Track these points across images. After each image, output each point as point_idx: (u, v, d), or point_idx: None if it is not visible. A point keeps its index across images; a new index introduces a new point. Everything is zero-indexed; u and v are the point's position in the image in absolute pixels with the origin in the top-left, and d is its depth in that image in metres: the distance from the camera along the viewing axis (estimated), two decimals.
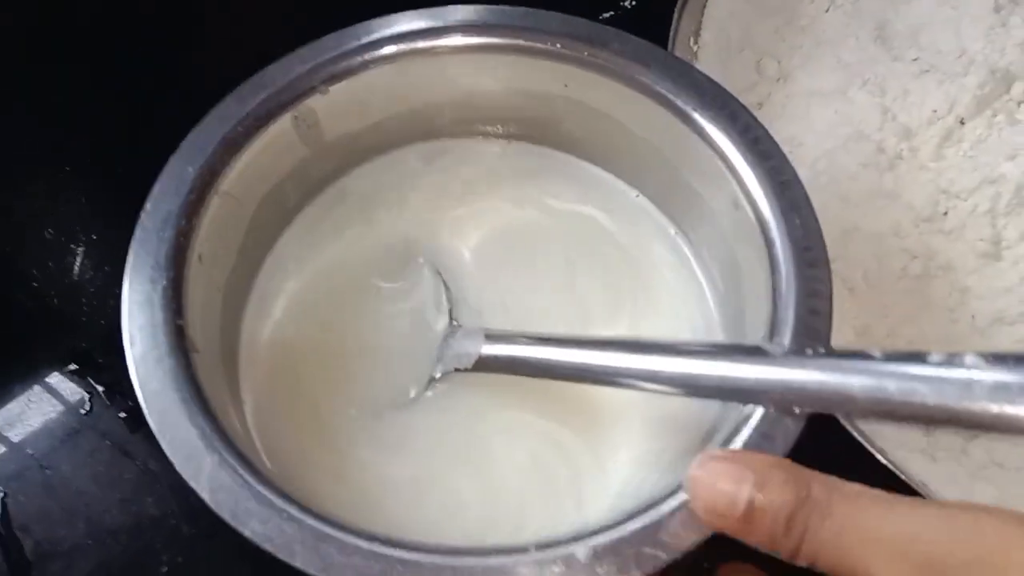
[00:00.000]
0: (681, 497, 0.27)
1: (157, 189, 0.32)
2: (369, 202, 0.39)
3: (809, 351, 0.28)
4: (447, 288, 0.37)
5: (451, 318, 0.36)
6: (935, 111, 0.43)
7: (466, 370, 0.34)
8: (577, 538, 0.26)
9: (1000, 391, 0.24)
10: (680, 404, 0.35)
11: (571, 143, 0.41)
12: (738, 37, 0.48)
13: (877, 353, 0.26)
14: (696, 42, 0.46)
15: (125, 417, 0.42)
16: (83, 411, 0.42)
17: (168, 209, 0.31)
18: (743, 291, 0.35)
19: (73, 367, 0.43)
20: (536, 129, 0.40)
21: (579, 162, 0.41)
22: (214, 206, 0.32)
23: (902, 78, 0.45)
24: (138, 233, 0.31)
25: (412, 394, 0.35)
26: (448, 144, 0.41)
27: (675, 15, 0.46)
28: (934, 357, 0.26)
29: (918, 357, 0.26)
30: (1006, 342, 0.40)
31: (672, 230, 0.39)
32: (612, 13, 0.54)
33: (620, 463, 0.34)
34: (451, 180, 0.41)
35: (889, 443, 0.37)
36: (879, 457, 0.36)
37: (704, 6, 0.48)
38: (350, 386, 0.35)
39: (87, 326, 0.44)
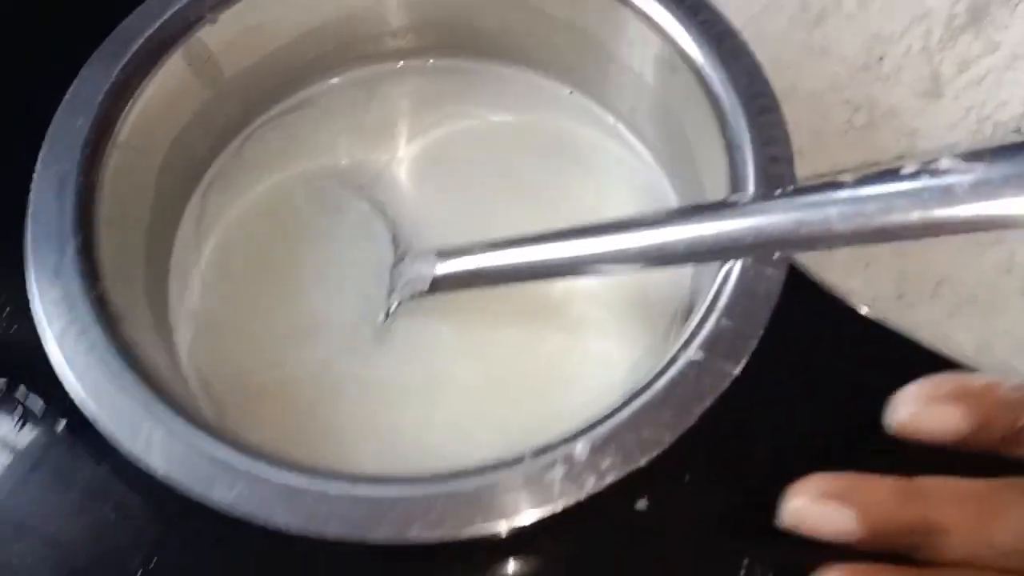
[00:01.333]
0: (670, 376, 0.25)
1: (46, 149, 0.29)
2: (287, 142, 0.37)
3: (778, 191, 0.27)
4: (385, 216, 0.35)
5: (395, 245, 0.34)
6: None
7: (422, 294, 0.32)
8: (573, 436, 0.24)
9: (981, 188, 0.23)
10: (650, 285, 0.34)
11: (491, 44, 0.38)
12: None
13: (848, 178, 0.25)
14: None
15: (64, 424, 0.39)
16: (17, 428, 0.39)
17: (63, 168, 0.28)
18: (697, 160, 0.33)
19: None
20: (451, 35, 0.38)
21: (504, 67, 0.39)
22: (114, 160, 0.29)
23: None
24: (33, 199, 0.28)
25: (368, 332, 0.33)
26: (361, 71, 0.39)
27: None
28: (908, 168, 0.24)
29: (891, 173, 0.25)
30: None
31: (611, 119, 0.38)
32: None
33: (597, 361, 0.33)
34: (372, 108, 0.38)
35: (864, 297, 0.36)
36: (859, 310, 0.35)
37: None
38: (299, 334, 0.33)
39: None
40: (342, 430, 0.31)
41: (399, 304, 0.33)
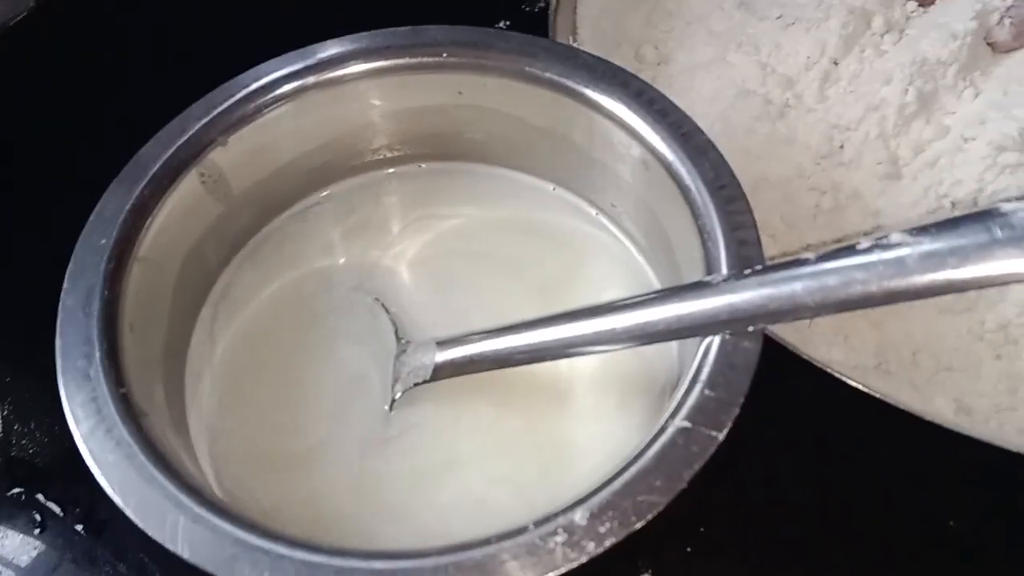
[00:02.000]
0: (660, 445, 0.27)
1: (73, 266, 0.31)
2: (292, 249, 0.39)
3: (747, 271, 0.29)
4: (387, 311, 0.37)
5: (397, 338, 0.36)
6: (809, 57, 0.46)
7: (425, 382, 0.34)
8: (572, 506, 0.26)
9: (928, 259, 0.26)
10: (635, 364, 0.36)
11: (477, 151, 0.41)
12: (612, 31, 0.50)
13: (810, 256, 0.28)
14: (575, 41, 0.48)
15: (83, 527, 0.40)
16: (36, 531, 0.40)
17: (89, 283, 0.31)
18: (674, 246, 0.36)
19: (17, 491, 0.41)
20: (441, 145, 0.41)
21: (490, 168, 0.42)
22: (135, 273, 0.32)
23: (772, 34, 0.47)
24: (62, 313, 0.30)
25: (378, 421, 0.35)
26: (359, 179, 0.42)
27: (549, 18, 0.48)
28: (863, 244, 0.27)
29: (849, 249, 0.27)
30: None
31: (593, 212, 0.41)
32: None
33: (597, 435, 0.34)
34: (370, 212, 0.41)
35: (845, 367, 0.38)
36: (841, 378, 0.37)
37: (575, 7, 0.50)
38: (308, 428, 0.35)
39: (20, 444, 0.42)
40: (359, 516, 0.33)
41: (403, 393, 0.35)
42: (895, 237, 0.26)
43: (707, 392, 0.28)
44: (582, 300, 0.38)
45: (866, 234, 0.43)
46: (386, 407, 0.35)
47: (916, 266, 0.26)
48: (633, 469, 0.27)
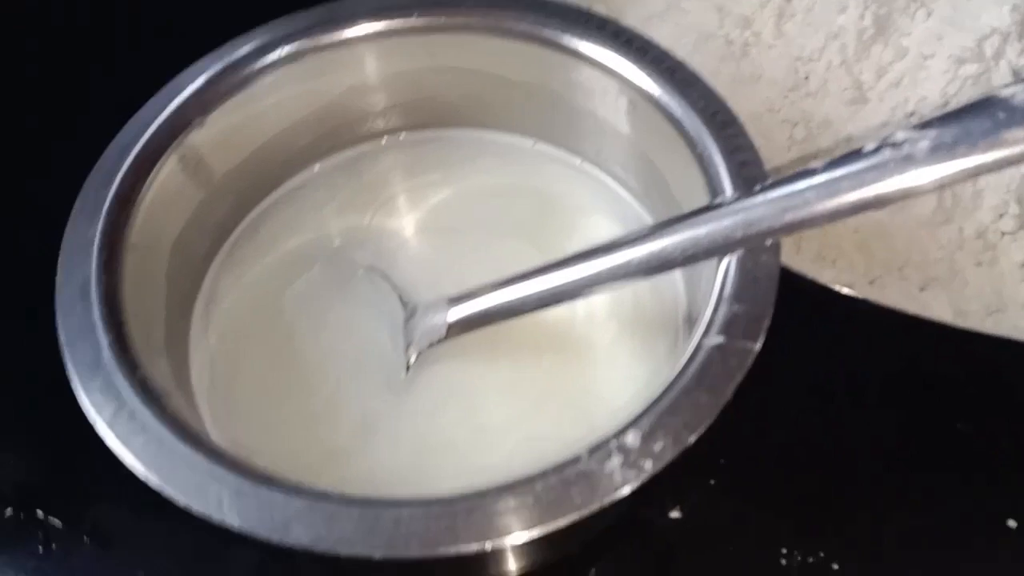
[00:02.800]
0: (699, 362, 0.27)
1: (64, 259, 0.30)
2: (285, 228, 0.38)
3: (757, 188, 0.29)
4: (388, 279, 0.37)
5: (403, 303, 0.36)
6: None
7: (440, 341, 0.33)
8: (623, 430, 0.26)
9: (937, 151, 0.26)
10: (644, 304, 0.36)
11: (457, 114, 0.41)
12: None
13: (818, 164, 0.28)
14: None
15: (89, 540, 0.39)
16: (40, 551, 0.39)
17: (84, 274, 0.29)
18: (669, 185, 0.36)
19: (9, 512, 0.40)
20: (421, 112, 0.40)
21: (471, 131, 0.41)
22: (129, 261, 0.31)
23: None
24: (60, 308, 0.29)
25: (391, 388, 0.34)
26: (341, 156, 0.41)
27: None
28: (868, 147, 0.27)
29: (856, 153, 0.27)
30: None
31: (578, 160, 0.41)
32: None
33: (616, 378, 0.34)
34: (357, 189, 0.40)
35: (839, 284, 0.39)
36: (841, 291, 0.38)
37: None
38: (322, 398, 0.34)
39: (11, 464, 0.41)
40: (380, 484, 0.32)
41: (418, 355, 0.34)
42: (900, 135, 0.27)
43: (735, 307, 0.28)
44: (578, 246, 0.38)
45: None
46: (401, 373, 0.34)
47: (926, 159, 0.26)
48: (677, 388, 0.27)
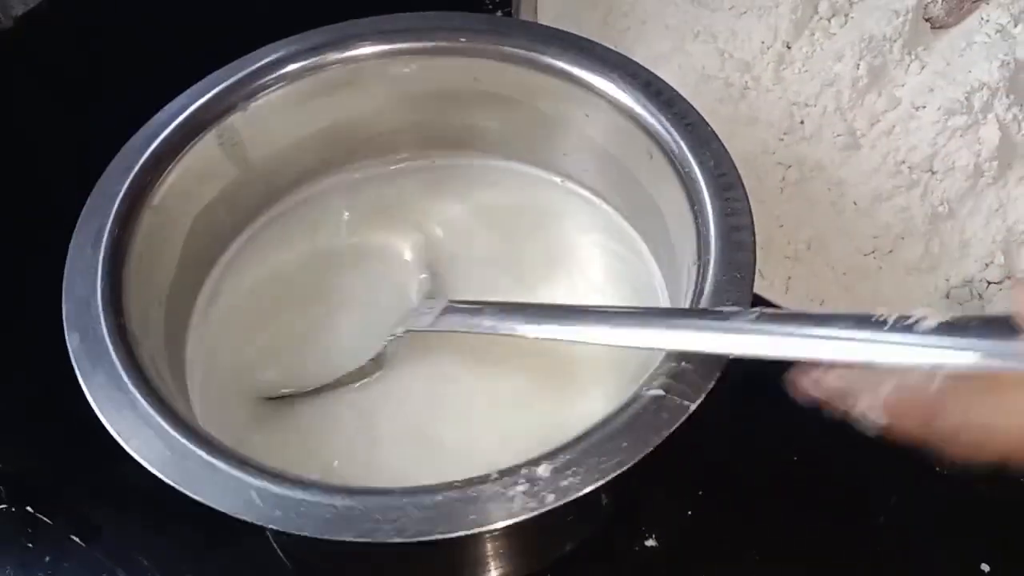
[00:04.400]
0: (632, 410, 0.27)
1: (87, 207, 0.32)
2: (306, 221, 0.40)
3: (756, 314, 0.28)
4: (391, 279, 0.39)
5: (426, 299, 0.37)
6: (763, 42, 0.49)
7: (422, 331, 0.34)
8: (537, 460, 0.26)
9: (948, 352, 0.24)
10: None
11: (490, 142, 0.42)
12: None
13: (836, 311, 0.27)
14: None
15: (77, 530, 0.39)
16: (29, 544, 0.40)
17: (100, 223, 0.32)
18: (669, 227, 0.36)
19: (2, 506, 0.41)
20: (453, 132, 0.42)
21: (502, 162, 0.43)
22: (147, 220, 0.33)
23: (726, 23, 0.50)
24: (72, 249, 0.31)
25: (371, 353, 0.36)
26: (374, 162, 0.42)
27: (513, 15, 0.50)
28: (888, 320, 0.25)
29: (868, 320, 0.25)
30: (887, 215, 0.44)
31: (598, 201, 0.42)
32: None
33: (593, 392, 0.35)
34: (385, 196, 0.42)
35: None
36: None
37: (535, 9, 0.53)
38: (307, 374, 0.36)
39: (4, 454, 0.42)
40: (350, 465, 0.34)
41: (401, 334, 0.35)
42: (924, 325, 0.24)
43: (684, 364, 0.28)
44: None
45: (832, 203, 0.46)
46: (380, 345, 0.36)
47: (935, 357, 0.24)
48: (603, 431, 0.27)
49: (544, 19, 0.52)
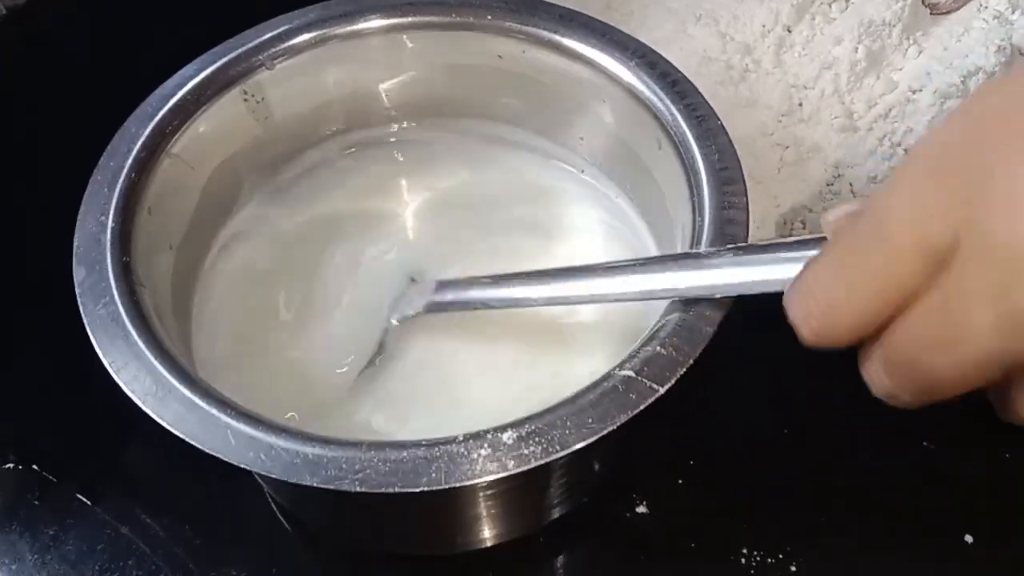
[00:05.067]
0: (602, 389, 0.28)
1: (109, 148, 0.34)
2: (325, 185, 0.42)
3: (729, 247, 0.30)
4: (396, 250, 0.39)
5: (411, 280, 0.38)
6: (764, 26, 0.49)
7: (417, 314, 0.35)
8: (503, 427, 0.27)
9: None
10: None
11: (507, 119, 0.43)
12: None
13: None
14: None
15: (82, 490, 0.41)
16: (36, 502, 0.41)
17: (118, 165, 0.33)
18: (673, 223, 0.37)
19: (11, 465, 0.42)
20: (473, 106, 0.43)
21: (522, 135, 0.44)
22: (165, 166, 0.34)
23: (728, 7, 0.51)
24: (90, 187, 0.33)
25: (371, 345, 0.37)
26: (392, 129, 0.44)
27: None
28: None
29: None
30: None
31: (612, 193, 0.42)
32: None
33: (585, 363, 0.36)
34: (397, 163, 0.43)
35: None
36: None
37: None
38: (307, 342, 0.37)
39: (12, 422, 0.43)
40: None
41: (396, 321, 0.36)
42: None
43: (659, 349, 0.29)
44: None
45: (828, 184, 0.47)
46: (377, 335, 0.37)
47: None
48: (570, 406, 0.28)
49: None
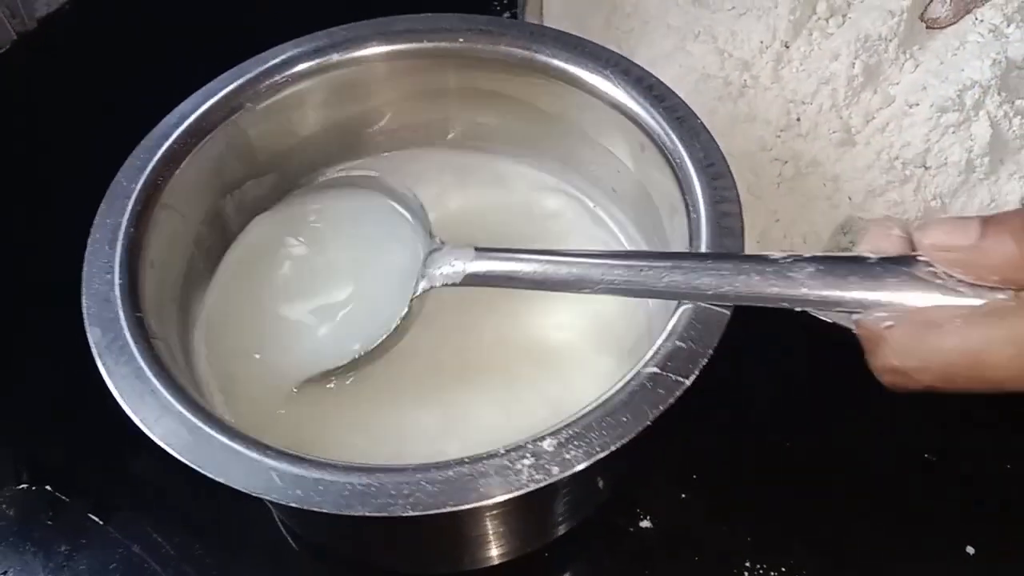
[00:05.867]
0: (631, 387, 0.29)
1: (103, 207, 0.34)
2: (309, 217, 0.41)
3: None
4: (422, 208, 0.38)
5: (431, 235, 0.37)
6: (762, 42, 0.49)
7: (453, 285, 0.34)
8: (542, 435, 0.28)
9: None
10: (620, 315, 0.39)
11: (490, 138, 0.44)
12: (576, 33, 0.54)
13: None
14: None
15: (94, 509, 0.41)
16: (49, 522, 0.42)
17: (116, 221, 0.33)
18: (664, 223, 0.38)
19: (24, 485, 0.43)
20: (454, 128, 0.44)
21: (501, 160, 0.44)
22: (159, 218, 0.34)
23: (726, 24, 0.51)
24: (90, 246, 0.33)
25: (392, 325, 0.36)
26: (376, 159, 0.44)
27: (519, 17, 0.52)
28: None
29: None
30: (882, 209, 0.46)
31: (590, 203, 0.43)
32: None
33: (586, 380, 0.36)
34: (386, 190, 0.41)
35: None
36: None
37: (541, 10, 0.54)
38: (314, 353, 0.37)
39: (27, 443, 0.44)
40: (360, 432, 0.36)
41: (425, 291, 0.35)
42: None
43: (678, 343, 0.30)
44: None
45: (827, 198, 0.47)
46: (404, 305, 0.35)
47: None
48: (603, 408, 0.28)
49: (549, 20, 0.54)
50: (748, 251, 0.32)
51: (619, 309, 0.39)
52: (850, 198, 0.46)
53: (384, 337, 0.36)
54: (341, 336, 0.36)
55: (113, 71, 0.58)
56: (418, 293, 0.35)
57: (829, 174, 0.47)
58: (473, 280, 0.34)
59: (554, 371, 0.37)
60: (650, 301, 0.38)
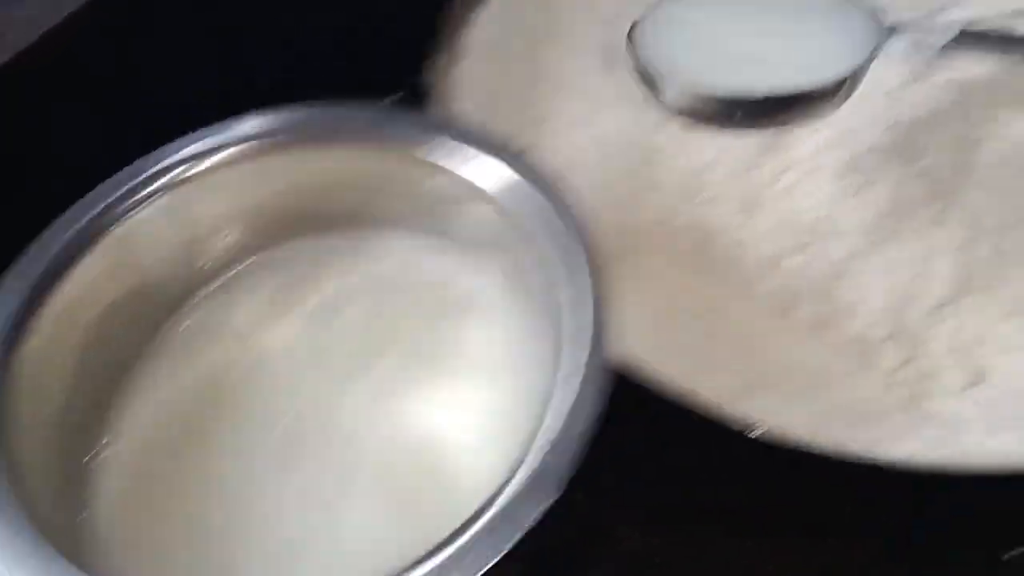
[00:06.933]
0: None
1: None
2: (202, 338, 0.40)
3: None
4: None
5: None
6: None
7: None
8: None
9: None
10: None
11: (383, 220, 0.43)
12: (489, 98, 0.55)
13: None
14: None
15: None
16: None
17: None
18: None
19: None
20: (346, 213, 0.43)
21: (395, 237, 0.43)
22: (35, 342, 0.34)
23: (637, 91, 0.52)
24: None
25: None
26: (265, 254, 0.43)
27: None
28: None
29: None
30: (784, 276, 0.46)
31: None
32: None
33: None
34: (284, 285, 0.42)
35: None
36: None
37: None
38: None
39: None
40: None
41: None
42: None
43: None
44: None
45: (732, 265, 0.48)
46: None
47: None
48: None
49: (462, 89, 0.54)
50: None
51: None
52: (754, 265, 0.47)
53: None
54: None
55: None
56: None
57: (733, 240, 0.47)
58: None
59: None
60: None
